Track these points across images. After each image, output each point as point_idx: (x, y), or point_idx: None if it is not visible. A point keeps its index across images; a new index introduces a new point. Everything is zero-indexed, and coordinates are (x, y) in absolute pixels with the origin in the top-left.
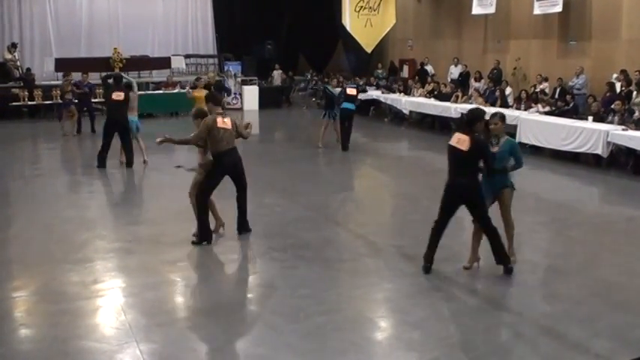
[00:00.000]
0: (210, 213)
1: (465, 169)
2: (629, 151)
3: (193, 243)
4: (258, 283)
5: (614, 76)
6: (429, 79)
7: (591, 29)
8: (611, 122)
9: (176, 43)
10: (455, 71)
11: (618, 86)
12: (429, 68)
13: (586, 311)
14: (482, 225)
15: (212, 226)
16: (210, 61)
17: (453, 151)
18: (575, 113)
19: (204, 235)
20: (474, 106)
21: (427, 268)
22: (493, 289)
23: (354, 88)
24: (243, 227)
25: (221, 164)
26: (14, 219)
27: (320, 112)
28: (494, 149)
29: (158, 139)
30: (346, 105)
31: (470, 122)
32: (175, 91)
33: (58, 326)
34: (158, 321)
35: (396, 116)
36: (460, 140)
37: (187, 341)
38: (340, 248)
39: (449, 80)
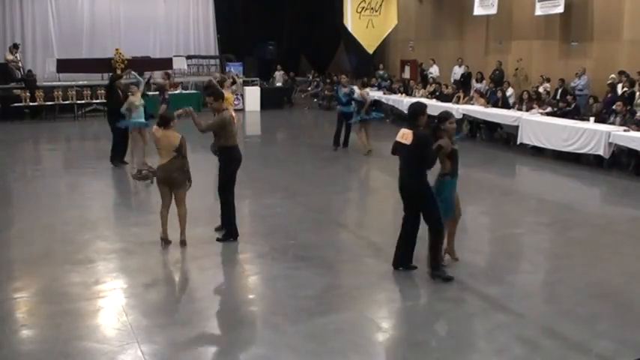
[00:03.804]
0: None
1: (408, 163)
2: (631, 152)
3: (218, 240)
4: (260, 283)
5: (611, 76)
6: (431, 79)
7: (593, 30)
8: (613, 123)
9: (178, 44)
10: (458, 72)
11: (620, 87)
12: (433, 70)
13: (587, 312)
14: (427, 224)
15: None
16: (212, 62)
17: (400, 147)
18: (577, 114)
19: (229, 233)
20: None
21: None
22: (494, 290)
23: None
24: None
25: (236, 157)
26: (15, 219)
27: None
28: (456, 147)
29: (179, 110)
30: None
31: (412, 116)
32: (177, 92)
33: (59, 327)
34: (159, 322)
35: (398, 117)
36: (404, 135)
37: (189, 342)
38: (341, 249)
39: (452, 81)
